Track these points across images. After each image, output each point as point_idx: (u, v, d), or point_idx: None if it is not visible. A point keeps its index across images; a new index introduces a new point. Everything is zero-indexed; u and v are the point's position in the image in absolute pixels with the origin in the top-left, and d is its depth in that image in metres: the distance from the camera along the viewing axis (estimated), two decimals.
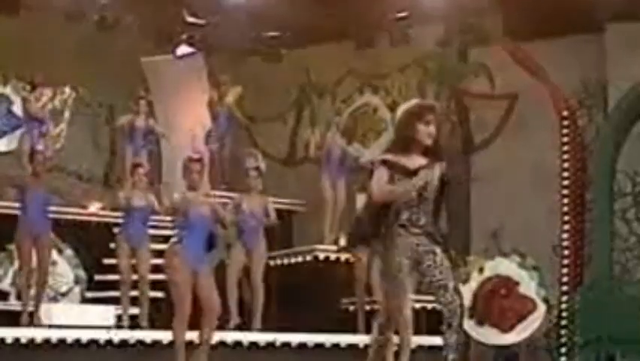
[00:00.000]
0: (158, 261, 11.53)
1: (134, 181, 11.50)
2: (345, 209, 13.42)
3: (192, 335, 9.58)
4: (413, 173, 6.34)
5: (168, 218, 11.78)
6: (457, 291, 6.42)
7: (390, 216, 6.37)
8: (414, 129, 6.41)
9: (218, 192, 13.28)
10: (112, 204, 11.69)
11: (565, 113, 12.88)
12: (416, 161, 6.40)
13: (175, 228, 9.39)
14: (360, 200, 10.97)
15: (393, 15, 13.62)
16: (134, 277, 11.37)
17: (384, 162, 6.40)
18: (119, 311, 11.43)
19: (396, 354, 10.16)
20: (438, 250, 6.41)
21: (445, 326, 6.36)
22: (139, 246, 11.22)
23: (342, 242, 13.15)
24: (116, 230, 13.02)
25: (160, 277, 11.77)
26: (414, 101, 6.69)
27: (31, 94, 13.96)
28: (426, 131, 6.40)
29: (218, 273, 11.22)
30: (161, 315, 11.62)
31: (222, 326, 10.92)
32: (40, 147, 12.69)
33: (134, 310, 11.42)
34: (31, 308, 10.98)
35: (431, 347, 10.40)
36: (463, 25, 13.50)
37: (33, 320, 10.86)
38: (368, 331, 11.41)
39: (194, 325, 9.42)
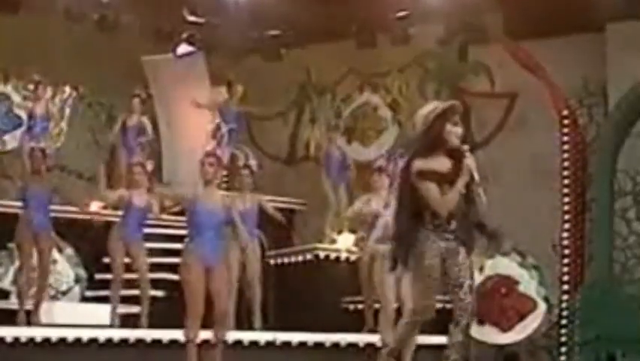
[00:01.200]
0: (158, 260, 11.59)
1: (134, 181, 11.47)
2: (346, 209, 13.44)
3: (205, 334, 9.59)
4: (445, 176, 6.39)
5: (165, 216, 11.83)
6: (470, 291, 6.45)
7: (427, 218, 6.42)
8: (443, 131, 6.44)
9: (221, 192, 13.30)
10: (113, 203, 11.64)
11: (565, 112, 12.87)
12: (443, 163, 6.44)
13: (188, 226, 9.39)
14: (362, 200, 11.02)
15: (394, 14, 13.62)
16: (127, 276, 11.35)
17: (420, 174, 6.40)
18: (121, 310, 11.44)
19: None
20: (462, 249, 6.46)
21: (453, 324, 6.39)
22: (133, 245, 11.16)
23: (340, 242, 13.17)
24: None
25: (159, 276, 11.83)
26: (434, 104, 6.68)
27: (32, 93, 13.96)
28: (455, 132, 6.46)
29: None
30: (160, 314, 11.63)
31: None
32: (40, 145, 12.70)
33: (135, 309, 11.42)
34: (29, 307, 10.97)
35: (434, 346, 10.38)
36: (463, 24, 13.50)
37: (32, 319, 10.85)
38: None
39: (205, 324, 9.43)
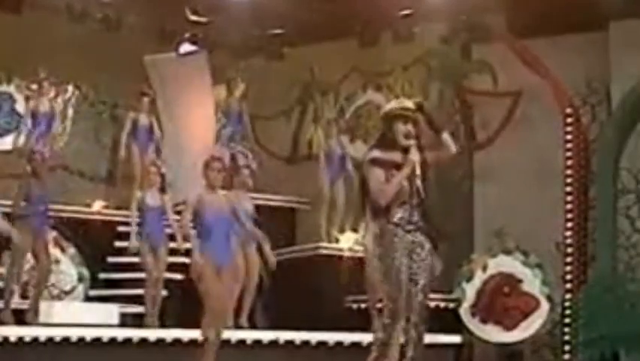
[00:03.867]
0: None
1: (149, 181, 11.49)
2: (345, 208, 13.45)
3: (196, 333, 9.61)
4: (399, 168, 6.48)
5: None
6: (423, 291, 6.48)
7: (381, 214, 6.45)
8: (392, 129, 6.51)
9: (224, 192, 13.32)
10: (121, 203, 11.67)
11: (568, 110, 12.87)
12: (397, 158, 6.52)
13: (195, 228, 9.39)
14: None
15: (397, 12, 13.63)
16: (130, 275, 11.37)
17: (374, 161, 6.46)
18: (123, 309, 11.44)
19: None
20: (427, 244, 6.50)
21: (404, 321, 6.43)
22: (157, 245, 11.20)
23: (342, 242, 13.16)
24: (119, 228, 13.07)
25: (165, 275, 11.83)
26: (392, 102, 6.82)
27: (33, 92, 13.91)
28: (403, 131, 6.50)
29: None
30: (164, 313, 11.64)
31: None
32: (38, 146, 12.70)
33: (140, 309, 11.44)
34: (26, 306, 10.96)
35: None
36: (466, 22, 13.50)
37: (31, 319, 10.84)
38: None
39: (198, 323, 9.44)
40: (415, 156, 6.48)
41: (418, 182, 6.51)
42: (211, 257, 9.16)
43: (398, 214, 6.48)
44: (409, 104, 6.78)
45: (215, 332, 9.20)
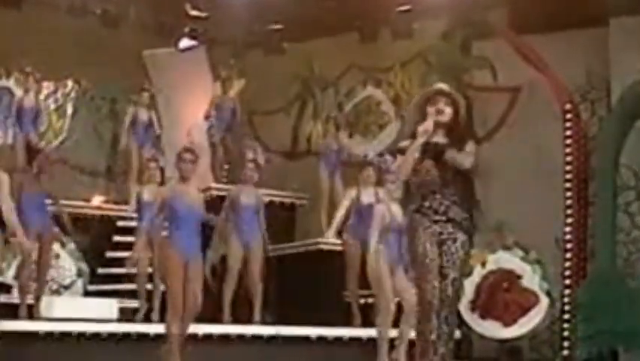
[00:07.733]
0: None
1: (148, 176, 11.47)
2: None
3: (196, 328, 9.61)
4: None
5: None
6: (453, 283, 6.44)
7: (414, 202, 6.43)
8: (424, 113, 6.48)
9: (219, 185, 13.40)
10: (121, 198, 11.68)
11: (568, 106, 12.86)
12: None
13: (165, 220, 9.33)
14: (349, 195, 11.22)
15: (397, 8, 13.62)
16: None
17: (400, 151, 6.45)
18: (122, 304, 11.45)
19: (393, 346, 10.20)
20: (461, 236, 6.43)
21: (435, 315, 6.39)
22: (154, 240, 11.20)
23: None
24: (119, 223, 13.08)
25: None
26: (421, 92, 6.81)
27: (29, 86, 13.85)
28: (434, 110, 6.47)
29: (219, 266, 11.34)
30: (163, 308, 11.64)
31: (218, 320, 11.01)
32: (34, 140, 12.70)
33: (135, 304, 11.45)
34: (30, 301, 10.97)
35: None
36: (466, 18, 13.49)
37: (33, 313, 10.85)
38: (364, 324, 11.50)
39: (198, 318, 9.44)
40: (428, 125, 6.44)
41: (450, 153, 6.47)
42: (179, 251, 9.09)
43: (426, 203, 6.45)
44: (443, 85, 6.78)
45: (177, 327, 9.10)
